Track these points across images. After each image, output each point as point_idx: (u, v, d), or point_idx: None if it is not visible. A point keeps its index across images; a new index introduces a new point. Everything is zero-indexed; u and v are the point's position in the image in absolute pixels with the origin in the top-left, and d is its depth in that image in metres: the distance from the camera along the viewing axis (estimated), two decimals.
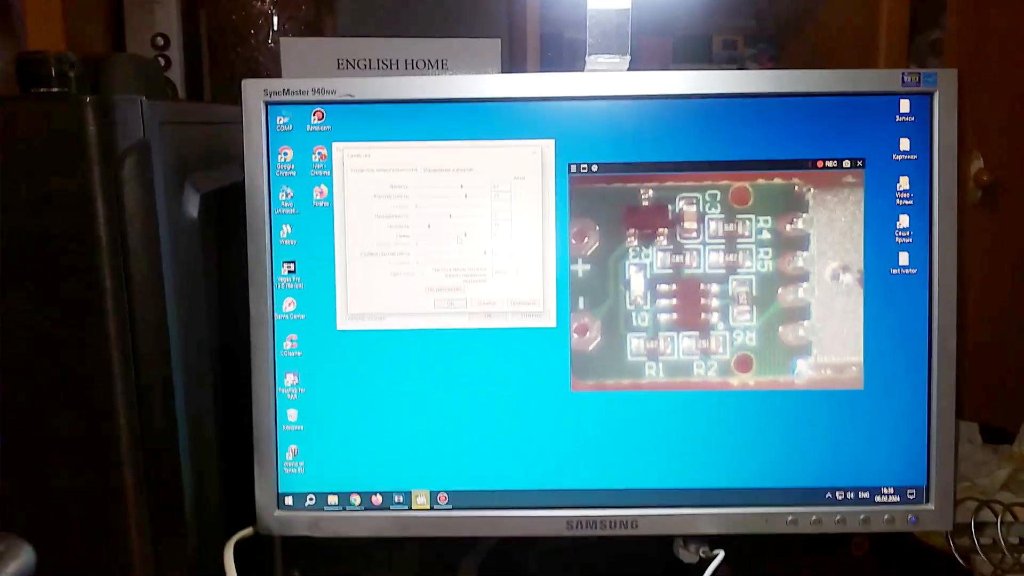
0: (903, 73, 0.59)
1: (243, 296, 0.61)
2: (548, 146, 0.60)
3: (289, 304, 0.61)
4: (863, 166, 0.60)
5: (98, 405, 0.50)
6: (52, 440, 0.50)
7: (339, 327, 0.61)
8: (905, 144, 0.59)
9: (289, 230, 0.61)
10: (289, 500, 0.62)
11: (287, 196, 0.60)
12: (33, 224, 0.48)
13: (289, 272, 0.61)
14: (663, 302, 0.61)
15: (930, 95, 0.59)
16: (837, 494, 0.62)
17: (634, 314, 0.61)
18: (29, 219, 0.48)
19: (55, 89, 0.51)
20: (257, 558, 0.64)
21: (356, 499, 0.62)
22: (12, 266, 0.48)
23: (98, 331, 0.49)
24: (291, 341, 0.61)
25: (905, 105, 0.59)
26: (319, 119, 0.60)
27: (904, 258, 0.60)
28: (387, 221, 0.61)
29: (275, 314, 0.61)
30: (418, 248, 0.61)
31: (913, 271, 0.60)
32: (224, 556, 0.59)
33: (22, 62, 0.51)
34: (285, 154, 0.60)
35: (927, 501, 0.61)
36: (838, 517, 0.61)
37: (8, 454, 0.50)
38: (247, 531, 0.61)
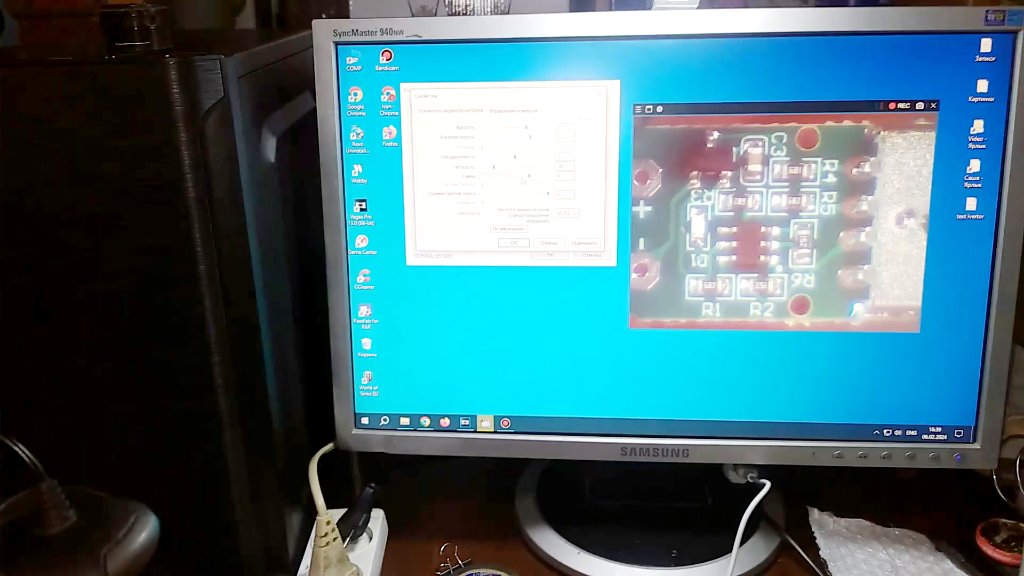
0: (987, 11, 0.56)
1: (319, 231, 0.64)
2: (614, 86, 0.60)
3: (362, 241, 0.64)
4: (937, 108, 0.58)
5: (194, 338, 0.55)
6: (155, 371, 0.55)
7: (408, 263, 0.64)
8: (983, 86, 0.58)
9: (360, 170, 0.63)
10: (365, 420, 0.67)
11: (358, 136, 0.63)
12: (128, 176, 0.51)
13: (361, 210, 0.64)
14: (723, 244, 0.62)
15: (1014, 34, 0.57)
16: (885, 431, 0.64)
17: (693, 255, 0.62)
18: (125, 172, 0.51)
19: (138, 43, 0.53)
20: (340, 470, 0.70)
21: (426, 421, 0.67)
22: (110, 215, 0.52)
23: (191, 273, 0.54)
24: (364, 276, 0.65)
25: (986, 44, 0.57)
26: (387, 59, 0.61)
27: (971, 203, 0.59)
28: (453, 162, 0.62)
29: (349, 250, 0.64)
30: (483, 188, 0.62)
31: (980, 217, 0.59)
32: (309, 469, 0.65)
33: (105, 16, 0.53)
34: (355, 94, 0.62)
35: (974, 440, 0.63)
36: (884, 453, 0.64)
37: (116, 383, 0.55)
38: (328, 447, 0.67)
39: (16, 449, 0.38)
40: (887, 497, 0.75)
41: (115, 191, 0.52)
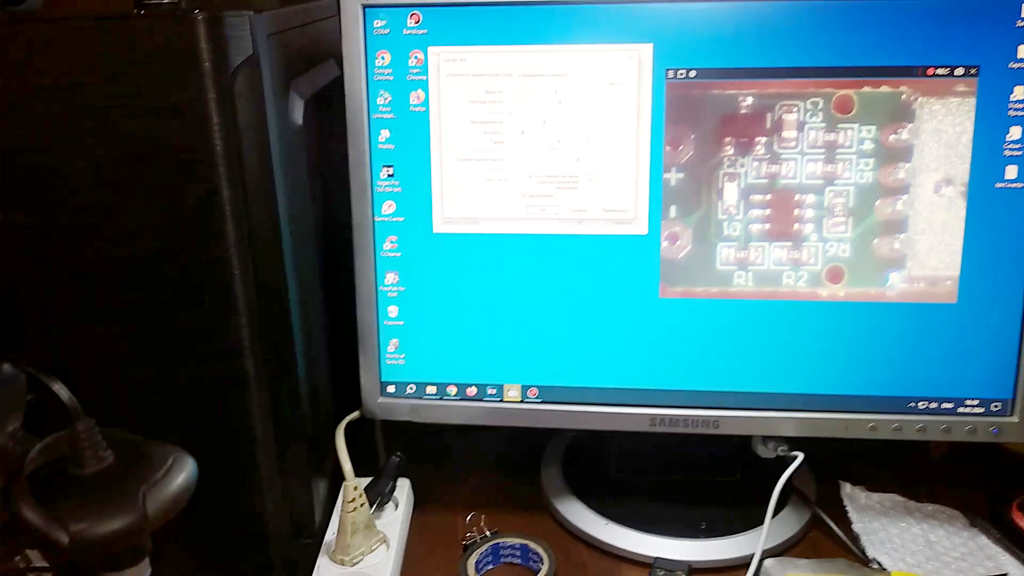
0: None
1: (345, 196, 0.64)
2: (646, 50, 0.59)
3: (388, 207, 0.64)
4: (976, 74, 0.57)
5: (220, 302, 0.54)
6: (182, 335, 0.55)
7: (435, 230, 0.64)
8: None
9: (388, 135, 0.62)
10: (391, 388, 0.67)
11: (385, 101, 0.62)
12: (155, 135, 0.51)
13: (388, 176, 0.63)
14: (756, 212, 0.61)
15: None
16: (920, 403, 0.63)
17: (726, 223, 0.61)
18: (151, 131, 0.51)
19: (165, 1, 0.52)
20: (363, 441, 0.70)
21: (452, 390, 0.67)
22: (137, 174, 0.52)
23: (218, 236, 0.53)
24: (391, 242, 0.64)
25: None
26: (415, 22, 0.61)
27: (1012, 171, 0.58)
28: (482, 127, 0.62)
29: (375, 216, 0.64)
30: (512, 154, 0.62)
31: (1020, 185, 0.58)
32: (336, 436, 0.65)
33: None
34: (383, 58, 0.61)
35: (1011, 413, 0.62)
36: (919, 425, 0.62)
37: (143, 348, 0.55)
38: (355, 414, 0.67)
39: (54, 388, 0.38)
40: (919, 473, 0.74)
41: (142, 150, 0.51)
